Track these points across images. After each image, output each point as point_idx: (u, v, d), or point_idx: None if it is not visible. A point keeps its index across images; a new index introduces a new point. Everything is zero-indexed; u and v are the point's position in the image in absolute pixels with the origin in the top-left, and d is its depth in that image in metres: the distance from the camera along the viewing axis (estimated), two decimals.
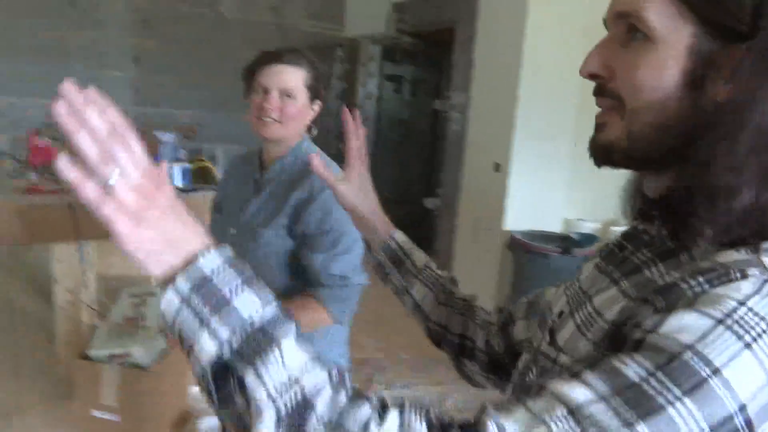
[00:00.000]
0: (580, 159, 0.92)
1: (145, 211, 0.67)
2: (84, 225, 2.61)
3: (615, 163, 0.75)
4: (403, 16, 6.34)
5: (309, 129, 1.84)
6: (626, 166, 0.76)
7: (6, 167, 3.43)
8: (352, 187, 1.18)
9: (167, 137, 3.80)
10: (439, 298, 1.13)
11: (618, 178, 0.82)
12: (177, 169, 3.18)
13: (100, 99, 0.67)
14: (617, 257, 0.81)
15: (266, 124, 1.69)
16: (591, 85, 0.75)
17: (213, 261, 0.68)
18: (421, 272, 1.14)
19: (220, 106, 8.06)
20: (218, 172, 3.52)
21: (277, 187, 1.71)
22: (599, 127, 0.75)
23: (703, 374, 0.56)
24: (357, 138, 1.17)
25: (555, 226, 4.69)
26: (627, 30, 0.70)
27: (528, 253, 4.03)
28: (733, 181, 0.64)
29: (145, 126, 4.34)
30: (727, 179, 0.64)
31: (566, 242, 4.19)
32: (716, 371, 0.56)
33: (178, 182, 3.16)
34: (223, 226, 1.76)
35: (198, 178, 3.44)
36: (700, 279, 0.62)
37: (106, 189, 0.65)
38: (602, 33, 0.76)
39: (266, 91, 1.69)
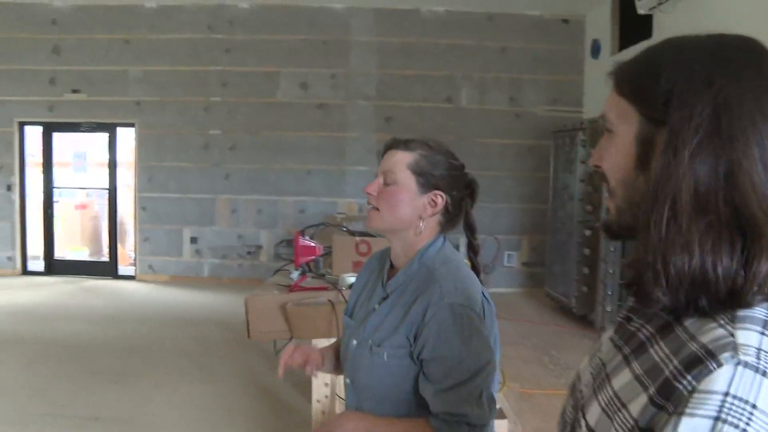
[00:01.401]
0: None
1: None
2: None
3: (616, 236, 0.92)
4: None
5: (443, 228, 1.55)
6: (623, 238, 0.91)
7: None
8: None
9: None
10: None
11: None
12: None
13: None
14: (627, 331, 0.90)
15: (368, 213, 1.51)
16: None
17: None
18: None
19: None
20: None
21: (399, 298, 1.46)
22: (607, 210, 0.95)
23: None
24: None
25: None
26: (606, 127, 0.89)
27: None
28: (672, 248, 0.76)
29: None
30: (666, 246, 0.76)
31: None
32: None
33: None
34: (350, 336, 1.54)
35: None
36: (689, 377, 0.71)
37: None
38: None
39: (376, 177, 1.52)
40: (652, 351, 0.81)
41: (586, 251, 6.21)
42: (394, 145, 1.50)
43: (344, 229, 3.92)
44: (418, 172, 1.47)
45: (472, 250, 1.64)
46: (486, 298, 1.50)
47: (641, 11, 6.05)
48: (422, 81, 8.16)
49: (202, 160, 8.36)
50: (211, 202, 8.39)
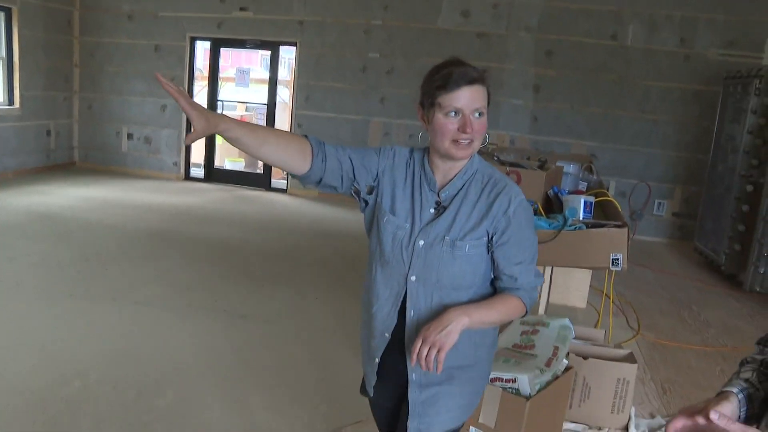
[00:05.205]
0: None
1: None
2: None
3: None
4: None
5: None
6: None
7: None
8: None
9: (572, 168, 3.82)
10: None
11: None
12: (581, 201, 3.17)
13: None
14: None
15: (464, 147, 1.63)
16: None
17: None
18: None
19: (617, 137, 7.92)
20: (622, 209, 3.40)
21: (465, 200, 1.69)
22: None
23: None
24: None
25: None
26: None
27: None
28: None
29: (541, 154, 4.44)
30: None
31: None
32: None
33: (581, 215, 3.13)
34: (405, 236, 1.71)
35: (599, 211, 3.38)
36: None
37: None
38: None
39: (460, 113, 1.60)
40: None
41: (745, 207, 5.88)
42: (475, 81, 1.62)
43: (496, 158, 3.98)
44: (489, 100, 1.67)
45: None
46: None
47: None
48: (587, 15, 7.82)
49: (359, 82, 8.60)
50: (365, 124, 8.66)
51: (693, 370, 4.07)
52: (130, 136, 9.56)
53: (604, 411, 3.07)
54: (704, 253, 6.75)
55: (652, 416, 3.38)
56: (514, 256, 1.69)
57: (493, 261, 1.71)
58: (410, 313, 1.70)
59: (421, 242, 1.68)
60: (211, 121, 1.50)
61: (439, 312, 1.61)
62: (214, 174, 9.67)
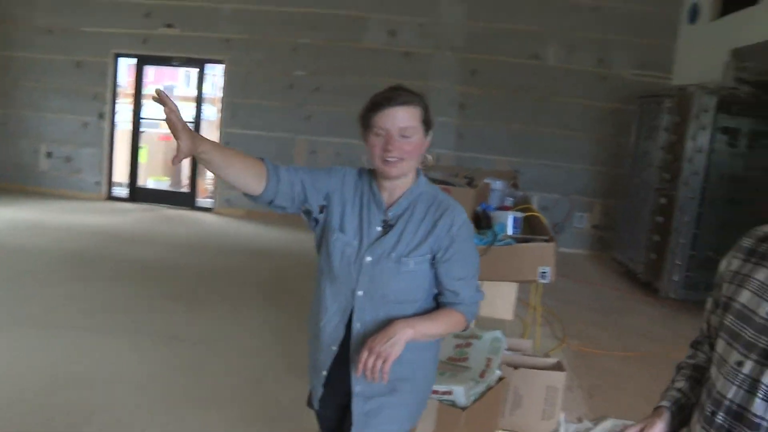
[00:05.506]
0: None
1: None
2: None
3: None
4: (744, 63, 5.85)
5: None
6: None
7: None
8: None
9: (498, 185, 3.94)
10: None
11: None
12: (510, 217, 3.27)
13: None
14: None
15: (390, 164, 1.71)
16: None
17: None
18: None
19: (539, 153, 8.19)
20: (547, 222, 3.54)
21: (411, 219, 1.78)
22: None
23: None
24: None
25: None
26: None
27: None
28: None
29: (467, 171, 4.57)
30: None
31: None
32: None
33: (510, 230, 3.23)
34: (353, 253, 1.77)
35: (526, 226, 3.50)
36: None
37: None
38: None
39: (387, 133, 1.70)
40: None
41: (659, 219, 6.19)
42: (400, 102, 1.71)
43: (425, 177, 4.03)
44: (425, 121, 1.76)
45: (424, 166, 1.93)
46: None
47: None
48: (510, 36, 8.10)
49: (286, 100, 8.60)
50: (291, 142, 8.66)
51: (616, 374, 4.25)
52: (49, 154, 9.21)
53: (535, 418, 3.17)
54: (622, 262, 7.05)
55: (580, 420, 3.49)
56: (456, 273, 1.77)
57: (436, 277, 1.79)
58: (356, 327, 1.76)
59: (369, 258, 1.75)
60: (195, 143, 1.55)
61: (384, 325, 1.67)
62: (137, 193, 9.43)
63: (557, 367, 3.28)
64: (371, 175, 1.82)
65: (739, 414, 1.08)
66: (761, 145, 5.83)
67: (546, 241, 3.15)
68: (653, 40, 7.91)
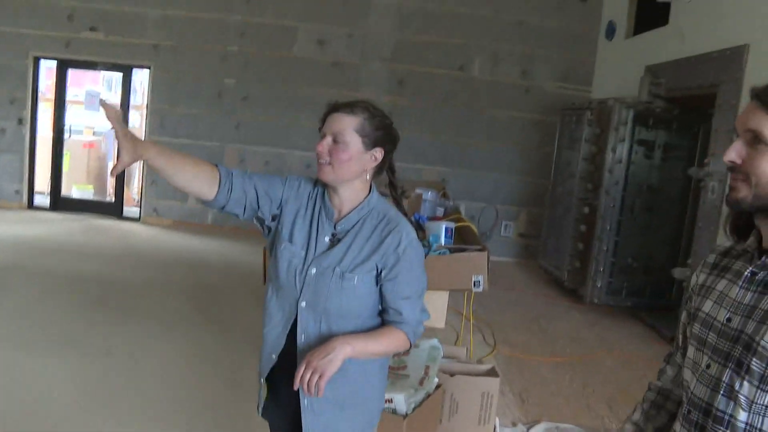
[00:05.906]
0: None
1: None
2: None
3: (742, 208, 1.19)
4: (658, 79, 6.16)
5: (374, 176, 1.87)
6: (751, 210, 1.19)
7: None
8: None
9: (429, 195, 4.03)
10: None
11: None
12: (443, 227, 3.35)
13: None
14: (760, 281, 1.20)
15: (320, 167, 1.75)
16: None
17: None
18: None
19: (466, 163, 8.37)
20: (478, 232, 3.64)
21: (359, 234, 1.78)
22: (732, 188, 1.19)
23: None
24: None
25: None
26: (752, 138, 1.14)
27: None
28: None
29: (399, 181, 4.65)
30: None
31: None
32: None
33: (443, 240, 3.32)
34: (300, 263, 1.78)
35: (458, 236, 3.59)
36: None
37: None
38: None
39: (323, 137, 1.76)
40: None
41: (583, 228, 6.43)
42: (340, 109, 1.77)
43: None
44: (363, 134, 1.75)
45: (393, 187, 1.97)
46: None
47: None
48: (437, 47, 8.26)
49: (214, 109, 8.49)
50: (220, 151, 8.54)
51: (546, 379, 4.39)
52: None
53: (472, 424, 3.25)
54: (548, 270, 7.28)
55: (514, 424, 3.61)
56: (401, 291, 1.77)
57: (381, 294, 1.79)
58: (300, 338, 1.77)
59: (313, 270, 1.76)
60: (138, 151, 1.56)
61: (327, 338, 1.69)
62: (60, 202, 9.07)
63: (491, 373, 3.37)
64: (325, 186, 1.84)
65: (707, 410, 1.22)
66: (674, 157, 6.15)
67: (479, 250, 3.25)
68: (574, 54, 8.23)
